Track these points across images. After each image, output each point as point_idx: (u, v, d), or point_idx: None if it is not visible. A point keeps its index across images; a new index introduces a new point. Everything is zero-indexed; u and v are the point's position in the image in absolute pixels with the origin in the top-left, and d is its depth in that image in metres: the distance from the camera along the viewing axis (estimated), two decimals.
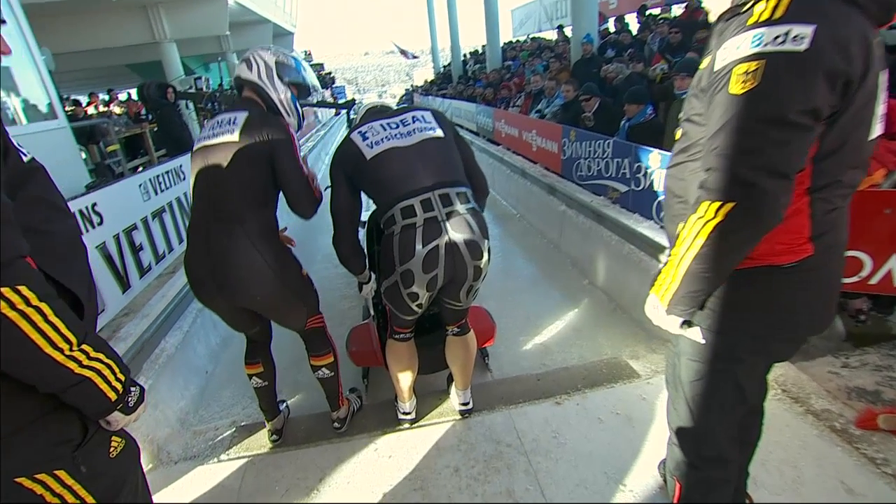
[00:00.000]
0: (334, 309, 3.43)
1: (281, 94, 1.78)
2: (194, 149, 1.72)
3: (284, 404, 2.30)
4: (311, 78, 1.92)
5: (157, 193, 3.03)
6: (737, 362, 1.18)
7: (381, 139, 1.76)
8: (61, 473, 0.89)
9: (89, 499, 0.92)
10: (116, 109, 8.62)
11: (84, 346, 0.86)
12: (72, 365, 0.84)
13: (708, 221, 0.94)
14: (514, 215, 5.64)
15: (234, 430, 2.26)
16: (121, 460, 1.01)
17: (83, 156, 6.52)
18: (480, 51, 15.08)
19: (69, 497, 0.89)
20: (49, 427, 0.88)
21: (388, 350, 2.01)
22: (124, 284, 2.49)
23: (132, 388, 0.98)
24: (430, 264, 1.67)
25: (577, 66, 6.95)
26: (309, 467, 1.97)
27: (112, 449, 0.99)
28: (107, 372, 0.90)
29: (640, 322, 2.92)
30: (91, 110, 8.57)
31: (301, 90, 1.88)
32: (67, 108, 7.89)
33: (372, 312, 2.37)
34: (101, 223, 2.38)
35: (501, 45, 12.38)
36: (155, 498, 1.89)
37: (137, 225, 2.73)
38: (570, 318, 3.13)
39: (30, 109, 5.08)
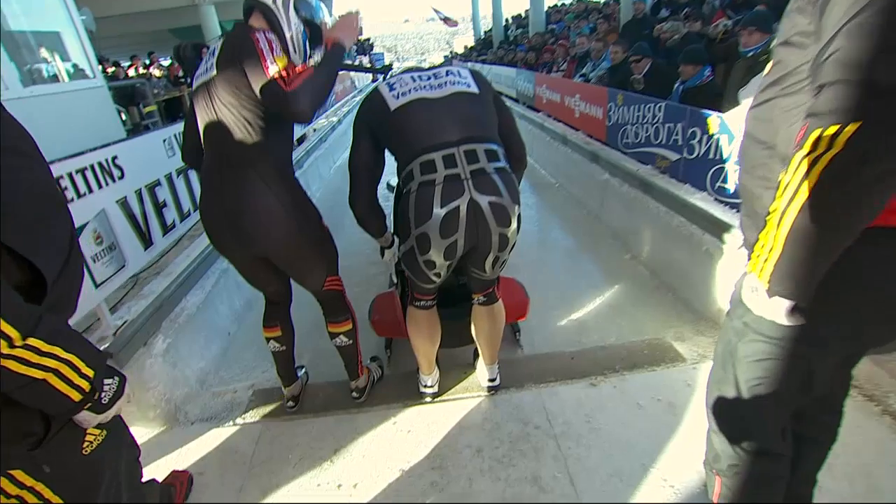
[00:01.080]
0: (361, 274, 3.33)
1: (293, 28, 1.60)
2: (193, 89, 1.59)
3: (303, 370, 2.22)
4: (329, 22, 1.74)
5: None
6: (818, 346, 0.95)
7: (409, 90, 1.59)
8: (18, 473, 0.76)
9: (55, 499, 0.80)
10: (156, 72, 8.69)
11: (31, 341, 0.69)
12: (13, 365, 0.68)
13: (821, 156, 0.68)
14: (552, 184, 5.36)
15: (251, 393, 2.20)
16: (98, 454, 0.87)
17: (123, 117, 6.64)
18: (523, 15, 14.41)
19: (30, 498, 0.77)
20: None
21: (408, 318, 1.87)
22: (146, 241, 2.43)
23: (107, 382, 0.83)
24: (449, 228, 1.49)
25: (627, 27, 6.48)
26: (324, 437, 1.88)
27: (86, 444, 0.85)
28: (65, 369, 0.74)
29: (686, 301, 2.68)
30: (132, 73, 8.68)
31: (314, 32, 1.70)
32: (109, 70, 8.02)
33: (395, 280, 2.24)
34: (121, 177, 2.30)
35: (546, 8, 11.74)
36: (167, 459, 1.88)
37: (161, 181, 2.65)
38: (610, 294, 2.91)
39: (63, 57, 5.17)
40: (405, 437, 1.85)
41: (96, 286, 2.00)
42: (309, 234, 1.65)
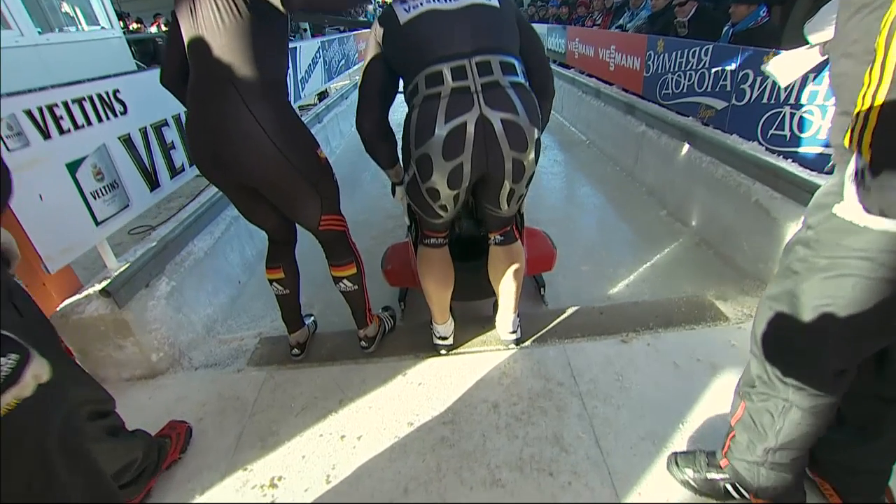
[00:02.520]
0: (378, 228, 3.19)
1: None
2: None
3: (311, 318, 2.10)
4: None
5: None
6: None
7: (421, 2, 1.39)
8: None
9: None
10: None
11: None
12: None
13: None
14: (583, 142, 5.05)
15: (258, 340, 2.09)
16: (13, 423, 0.69)
17: None
18: None
19: None
20: None
21: (419, 258, 1.70)
22: (152, 182, 2.31)
23: None
24: (454, 148, 1.30)
25: None
26: (329, 387, 1.76)
27: None
28: None
29: (730, 259, 2.44)
30: (154, 30, 8.56)
31: None
32: (132, 26, 7.95)
33: (408, 222, 2.07)
34: (124, 112, 2.17)
35: None
36: (168, 404, 1.78)
37: (169, 122, 2.51)
38: (643, 250, 2.68)
39: (89, 19, 5.20)
40: (415, 389, 1.71)
41: (97, 224, 1.90)
42: (296, 163, 1.45)
